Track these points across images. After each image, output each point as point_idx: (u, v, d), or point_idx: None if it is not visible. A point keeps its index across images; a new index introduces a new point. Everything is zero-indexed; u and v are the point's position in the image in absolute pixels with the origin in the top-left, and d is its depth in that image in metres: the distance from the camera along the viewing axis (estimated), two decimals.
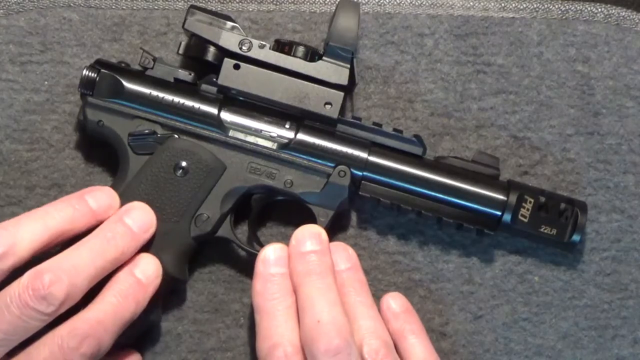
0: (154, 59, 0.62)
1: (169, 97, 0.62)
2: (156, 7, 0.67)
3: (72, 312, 0.55)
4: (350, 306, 0.57)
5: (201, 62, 0.62)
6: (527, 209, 0.62)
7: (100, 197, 0.59)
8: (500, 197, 0.62)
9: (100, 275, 0.56)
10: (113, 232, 0.57)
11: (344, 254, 0.60)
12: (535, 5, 0.68)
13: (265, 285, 0.57)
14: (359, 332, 0.56)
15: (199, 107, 0.62)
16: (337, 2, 0.64)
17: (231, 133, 0.62)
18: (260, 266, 0.58)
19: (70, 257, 0.55)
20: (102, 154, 0.65)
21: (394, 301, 0.61)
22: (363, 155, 0.62)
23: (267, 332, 0.56)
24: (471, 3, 0.68)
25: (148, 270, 0.58)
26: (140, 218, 0.59)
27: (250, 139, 0.62)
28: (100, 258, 0.56)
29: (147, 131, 0.61)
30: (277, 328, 0.55)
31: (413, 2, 0.68)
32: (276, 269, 0.58)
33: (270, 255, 0.58)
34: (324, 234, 0.59)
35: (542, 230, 0.62)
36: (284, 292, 0.57)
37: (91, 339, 0.54)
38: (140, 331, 0.61)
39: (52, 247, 0.57)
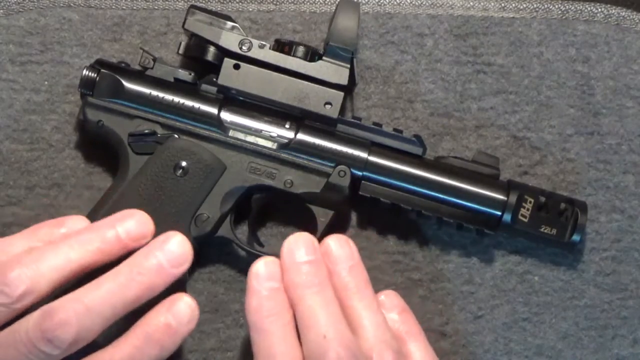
0: (154, 59, 0.62)
1: (169, 97, 0.62)
2: (156, 7, 0.67)
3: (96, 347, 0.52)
4: (354, 311, 0.54)
5: (201, 62, 0.62)
6: (527, 209, 0.62)
7: (132, 226, 0.55)
8: (500, 197, 0.62)
9: (120, 314, 0.53)
10: (140, 268, 0.53)
11: (346, 250, 0.56)
12: (535, 5, 0.68)
13: (260, 302, 0.54)
14: (367, 342, 0.53)
15: (199, 107, 0.62)
16: (337, 2, 0.64)
17: (231, 133, 0.62)
18: (253, 282, 0.54)
19: (85, 296, 0.51)
20: (102, 154, 0.65)
21: (390, 301, 0.58)
22: (363, 155, 0.62)
23: (267, 352, 0.53)
24: (471, 3, 0.68)
25: (181, 314, 0.53)
26: (173, 252, 0.54)
27: (250, 138, 0.62)
28: (120, 297, 0.52)
29: (147, 131, 0.61)
30: (277, 347, 0.53)
31: (413, 2, 0.68)
32: (270, 283, 0.54)
33: (262, 269, 0.55)
34: (316, 242, 0.56)
35: (542, 230, 0.62)
36: (281, 307, 0.54)
37: None
38: None
39: (77, 279, 0.54)
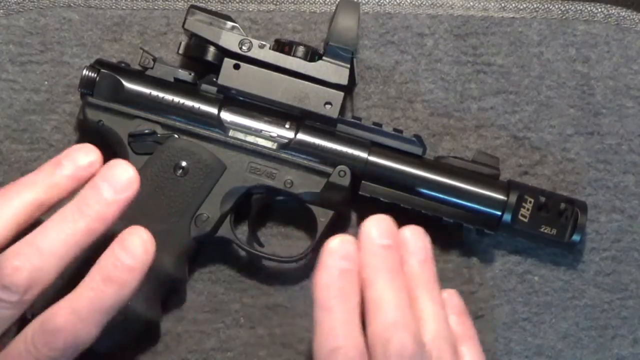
0: (154, 59, 0.62)
1: (169, 97, 0.62)
2: (156, 7, 0.67)
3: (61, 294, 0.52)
4: (419, 303, 0.54)
5: (201, 62, 0.62)
6: (527, 209, 0.62)
7: (78, 157, 0.54)
8: (500, 197, 0.62)
9: (75, 251, 0.52)
10: (85, 201, 0.52)
11: (420, 244, 0.55)
12: (535, 5, 0.68)
13: (332, 279, 0.52)
14: (428, 335, 0.52)
15: (199, 107, 0.62)
16: (337, 2, 0.64)
17: (231, 133, 0.62)
18: (328, 258, 0.53)
19: (35, 240, 0.52)
20: (102, 154, 0.65)
21: (448, 301, 0.57)
22: (363, 155, 0.62)
23: (330, 332, 0.51)
24: (471, 3, 0.68)
25: (133, 248, 0.53)
26: (116, 178, 0.53)
27: (250, 138, 0.62)
28: (71, 235, 0.52)
29: (147, 131, 0.61)
30: (340, 328, 0.51)
31: (413, 2, 0.68)
32: (344, 262, 0.53)
33: (340, 247, 0.53)
34: (395, 226, 0.55)
35: (542, 230, 0.62)
36: (350, 289, 0.52)
37: (64, 333, 0.50)
38: (139, 331, 0.61)
39: (37, 218, 0.54)
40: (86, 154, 0.54)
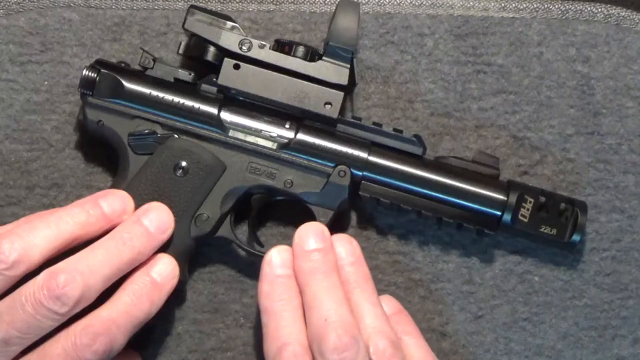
0: (154, 59, 0.62)
1: (169, 97, 0.62)
2: (156, 7, 0.67)
3: (87, 311, 0.55)
4: (355, 304, 0.57)
5: (201, 62, 0.62)
6: (527, 209, 0.62)
7: (114, 201, 0.59)
8: (500, 197, 0.62)
9: (116, 275, 0.56)
10: (130, 233, 0.57)
11: (348, 247, 0.59)
12: (535, 5, 0.68)
13: (271, 286, 0.57)
14: (365, 332, 0.55)
15: (199, 107, 0.62)
16: (337, 2, 0.64)
17: (231, 133, 0.62)
18: (266, 268, 0.58)
19: (85, 258, 0.55)
20: (102, 154, 0.65)
21: (386, 304, 0.60)
22: (363, 155, 0.62)
23: (275, 333, 0.55)
24: (471, 3, 0.68)
25: (164, 271, 0.58)
26: (157, 219, 0.59)
27: (250, 138, 0.62)
28: (116, 259, 0.56)
29: (147, 131, 0.61)
30: (285, 328, 0.55)
31: (413, 2, 0.68)
32: (282, 270, 0.57)
33: (276, 256, 0.58)
34: (326, 231, 0.59)
35: (542, 230, 0.62)
36: (290, 292, 0.57)
37: (103, 337, 0.54)
38: (139, 332, 0.61)
39: (66, 252, 0.56)
40: (122, 201, 0.59)
